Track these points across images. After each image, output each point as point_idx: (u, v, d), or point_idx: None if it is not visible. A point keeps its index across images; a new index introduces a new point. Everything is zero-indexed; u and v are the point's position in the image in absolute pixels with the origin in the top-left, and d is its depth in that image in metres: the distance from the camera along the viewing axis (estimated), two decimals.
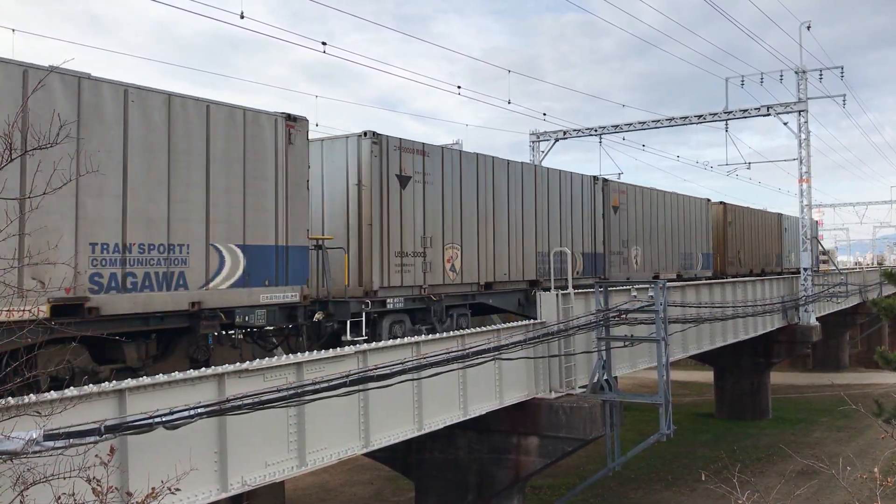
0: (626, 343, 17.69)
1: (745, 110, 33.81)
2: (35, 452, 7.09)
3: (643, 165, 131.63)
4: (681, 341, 23.04)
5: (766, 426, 33.91)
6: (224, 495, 10.00)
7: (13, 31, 16.28)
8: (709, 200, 33.26)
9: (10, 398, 7.36)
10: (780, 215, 44.00)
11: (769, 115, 33.04)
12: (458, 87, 25.95)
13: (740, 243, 36.82)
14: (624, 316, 17.58)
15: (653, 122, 35.92)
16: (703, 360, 35.24)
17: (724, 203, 35.78)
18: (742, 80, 34.61)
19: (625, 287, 19.07)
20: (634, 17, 34.87)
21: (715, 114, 34.42)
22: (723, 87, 36.12)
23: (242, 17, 16.35)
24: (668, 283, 19.65)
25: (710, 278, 30.47)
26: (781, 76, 33.57)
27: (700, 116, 34.61)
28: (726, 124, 35.64)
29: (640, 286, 18.54)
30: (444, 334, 14.42)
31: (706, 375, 41.52)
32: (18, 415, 7.36)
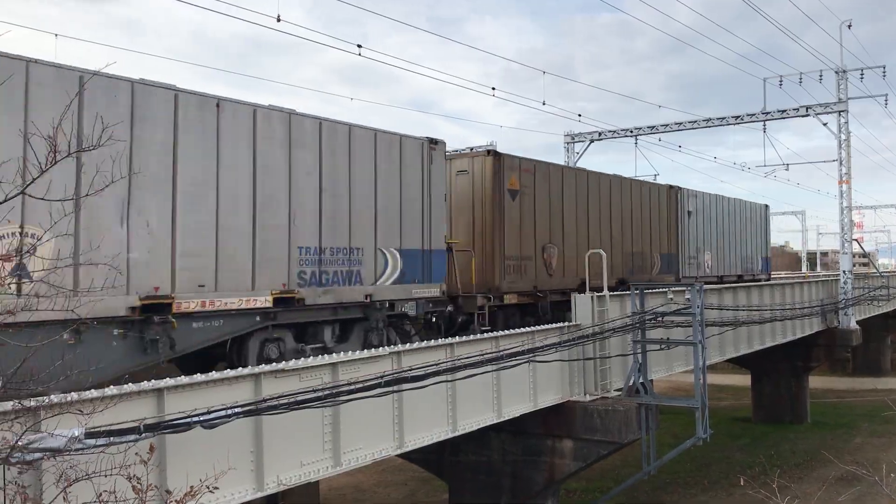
0: (663, 346, 17.52)
1: (783, 111, 33.28)
2: (77, 450, 7.22)
3: (680, 167, 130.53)
4: (717, 344, 22.74)
5: (804, 431, 33.33)
6: (260, 494, 10.08)
7: (56, 35, 16.59)
8: (430, 141, 16.52)
9: (52, 396, 7.51)
10: (674, 189, 28.09)
11: (808, 115, 32.50)
12: (493, 89, 25.87)
13: (552, 233, 20.98)
14: (660, 319, 17.43)
15: (689, 122, 35.52)
16: (740, 363, 34.72)
17: (499, 153, 19.18)
18: (780, 80, 34.05)
19: (660, 290, 18.88)
20: (669, 17, 34.57)
21: (752, 114, 33.92)
22: (760, 88, 35.48)
23: (279, 20, 16.50)
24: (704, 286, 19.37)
25: (466, 295, 17.81)
26: (821, 76, 32.99)
27: (737, 117, 34.15)
28: (764, 125, 35.11)
29: (677, 289, 18.36)
30: (478, 336, 14.41)
31: (743, 379, 40.93)
32: (62, 413, 7.50)
